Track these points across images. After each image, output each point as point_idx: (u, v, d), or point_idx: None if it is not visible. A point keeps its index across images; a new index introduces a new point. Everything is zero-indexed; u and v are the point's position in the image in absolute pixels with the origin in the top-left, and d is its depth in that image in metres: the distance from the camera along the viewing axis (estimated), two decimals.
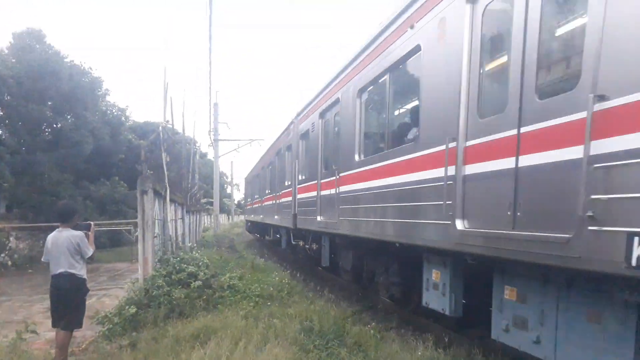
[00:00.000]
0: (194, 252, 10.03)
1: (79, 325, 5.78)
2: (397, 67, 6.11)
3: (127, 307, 7.44)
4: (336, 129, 8.72)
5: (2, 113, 22.96)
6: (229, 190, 65.48)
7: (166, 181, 10.63)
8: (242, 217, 54.21)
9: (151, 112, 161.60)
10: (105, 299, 10.40)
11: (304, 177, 11.51)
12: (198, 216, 25.33)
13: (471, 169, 4.29)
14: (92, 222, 6.39)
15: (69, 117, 26.02)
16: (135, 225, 12.00)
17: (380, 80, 6.66)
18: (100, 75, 28.05)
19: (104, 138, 27.79)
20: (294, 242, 13.17)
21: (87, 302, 6.10)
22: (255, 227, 25.61)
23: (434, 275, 5.30)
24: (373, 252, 7.57)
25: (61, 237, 5.68)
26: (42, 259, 6.00)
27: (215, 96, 25.76)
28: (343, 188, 7.86)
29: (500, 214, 3.82)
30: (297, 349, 5.06)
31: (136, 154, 34.25)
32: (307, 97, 11.11)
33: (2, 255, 20.71)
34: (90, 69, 26.95)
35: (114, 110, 31.67)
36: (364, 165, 6.97)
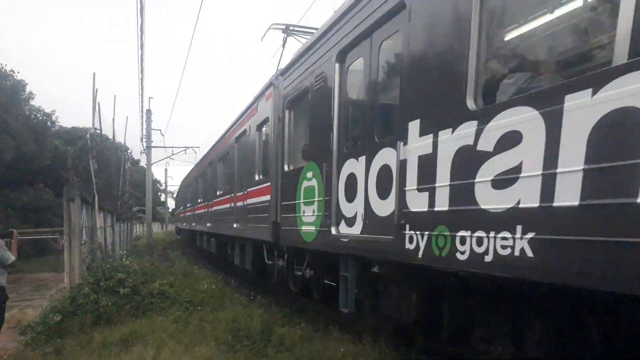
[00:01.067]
0: (123, 260, 9.89)
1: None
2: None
3: (51, 315, 7.29)
4: None
5: None
6: (163, 199, 63.81)
7: (94, 189, 10.40)
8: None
9: (79, 117, 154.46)
10: (28, 309, 10.00)
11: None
12: (129, 224, 24.64)
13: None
14: (14, 230, 6.28)
15: None
16: (62, 233, 11.65)
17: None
18: (23, 78, 26.66)
19: (27, 143, 26.50)
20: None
21: (8, 314, 5.98)
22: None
23: None
24: None
25: None
26: None
27: (148, 102, 25.22)
28: None
29: None
30: (225, 349, 5.22)
31: (63, 160, 32.89)
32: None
33: None
34: (12, 71, 25.73)
35: (38, 115, 30.21)
36: None
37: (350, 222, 5.08)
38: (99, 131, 11.31)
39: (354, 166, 4.95)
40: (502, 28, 3.81)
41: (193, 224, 19.78)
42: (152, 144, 26.80)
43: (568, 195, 2.49)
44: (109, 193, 16.14)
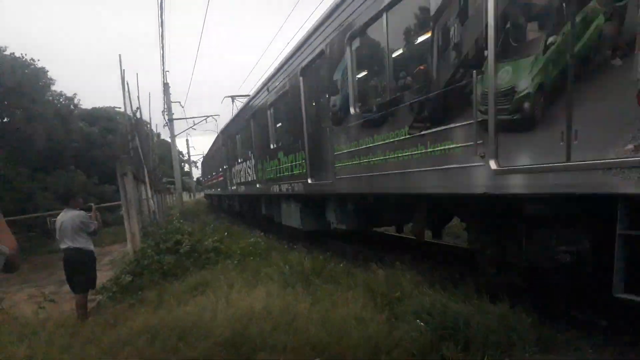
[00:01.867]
0: (176, 224, 10.87)
1: (93, 286, 6.84)
2: None
3: (123, 276, 8.28)
4: None
5: None
6: (186, 169, 65.33)
7: (143, 163, 11.30)
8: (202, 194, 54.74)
9: (98, 97, 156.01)
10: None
11: None
12: (162, 195, 25.84)
13: None
14: (92, 204, 7.23)
15: (18, 111, 25.69)
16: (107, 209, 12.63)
17: None
18: (44, 65, 27.44)
19: (56, 129, 27.58)
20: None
21: None
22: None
23: None
24: None
25: (66, 218, 6.60)
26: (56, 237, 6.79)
27: (165, 76, 25.87)
28: None
29: None
30: (283, 285, 6.13)
31: (89, 141, 34.13)
32: None
33: None
34: (33, 60, 26.50)
35: (61, 100, 31.19)
36: None
37: None
38: (138, 112, 11.90)
39: None
40: None
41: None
42: (173, 116, 27.66)
43: None
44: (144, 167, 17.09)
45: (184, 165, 65.03)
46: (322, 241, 10.94)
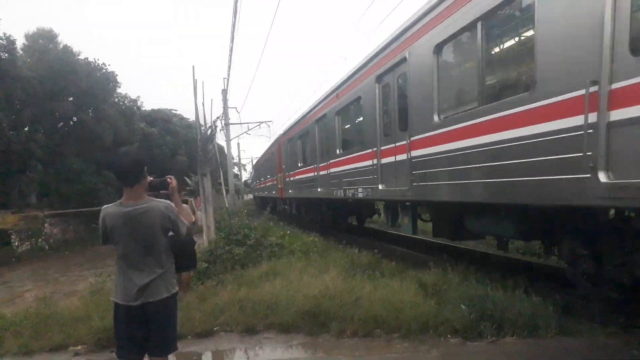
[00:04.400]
0: (244, 220, 12.19)
1: (194, 265, 7.82)
2: None
3: (200, 263, 9.56)
4: None
5: (29, 110, 24.72)
6: (235, 171, 67.59)
7: (219, 166, 12.63)
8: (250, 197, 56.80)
9: (156, 100, 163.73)
10: None
11: None
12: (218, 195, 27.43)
13: None
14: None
15: (89, 111, 27.93)
16: None
17: None
18: (114, 70, 29.64)
19: (121, 128, 29.73)
20: None
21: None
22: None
23: None
24: None
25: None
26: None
27: (226, 84, 27.49)
28: None
29: None
30: (345, 274, 7.22)
31: (149, 140, 36.38)
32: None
33: (40, 240, 22.87)
34: (104, 64, 28.72)
35: (126, 101, 33.46)
36: None
37: None
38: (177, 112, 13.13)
39: None
40: None
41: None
42: (229, 122, 29.31)
43: None
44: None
45: (234, 168, 67.52)
46: (371, 245, 11.97)
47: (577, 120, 4.34)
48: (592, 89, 4.12)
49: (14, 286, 13.12)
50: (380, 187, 9.21)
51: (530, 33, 5.14)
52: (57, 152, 26.71)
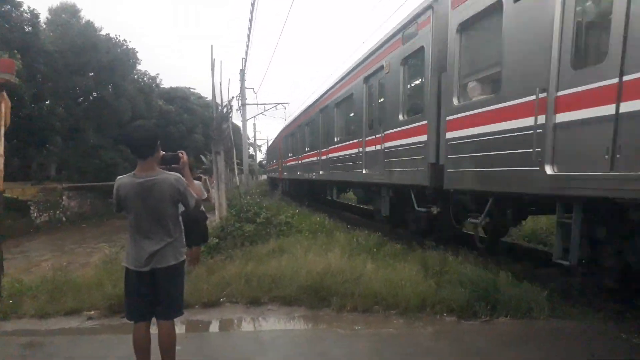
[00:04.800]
0: (255, 198, 12.45)
1: (205, 240, 8.02)
2: None
3: (211, 238, 9.83)
4: None
5: (50, 84, 25.16)
6: (251, 151, 68.02)
7: (233, 146, 12.88)
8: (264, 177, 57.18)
9: (174, 77, 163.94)
10: None
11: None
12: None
13: None
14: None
15: (109, 86, 28.32)
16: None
17: None
18: (134, 47, 29.99)
19: (139, 105, 30.13)
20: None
21: None
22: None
23: None
24: None
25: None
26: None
27: (244, 64, 27.60)
28: None
29: None
30: (349, 254, 7.42)
31: (166, 118, 36.80)
32: None
33: (58, 212, 23.46)
34: (125, 40, 29.02)
35: (145, 79, 33.85)
36: None
37: None
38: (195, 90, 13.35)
39: None
40: None
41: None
42: (246, 102, 29.49)
43: None
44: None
45: (249, 148, 67.92)
46: (377, 227, 12.15)
47: (530, 120, 5.14)
48: (542, 95, 4.95)
49: (32, 256, 13.61)
50: (363, 171, 10.74)
51: (499, 44, 5.88)
52: (77, 126, 27.20)
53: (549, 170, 4.92)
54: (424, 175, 7.78)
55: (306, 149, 18.97)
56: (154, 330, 3.67)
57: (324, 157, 15.11)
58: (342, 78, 12.96)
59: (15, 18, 21.85)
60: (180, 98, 42.42)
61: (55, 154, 27.21)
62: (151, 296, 3.62)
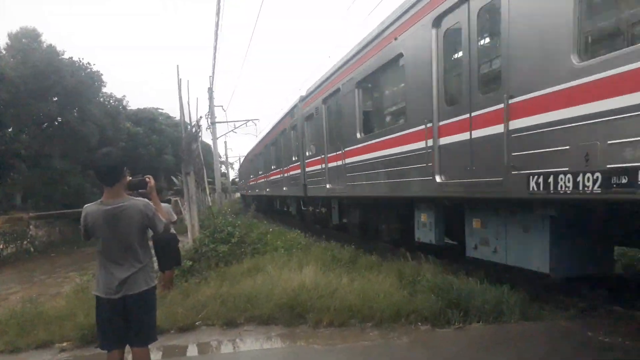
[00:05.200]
0: (228, 218, 12.41)
1: (178, 263, 7.95)
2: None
3: (184, 261, 9.75)
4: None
5: (12, 110, 24.58)
6: (223, 169, 67.48)
7: (203, 166, 12.84)
8: (238, 195, 56.76)
9: (142, 97, 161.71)
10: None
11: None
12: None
13: None
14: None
15: (74, 111, 27.80)
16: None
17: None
18: (99, 69, 29.50)
19: (107, 128, 29.63)
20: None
21: None
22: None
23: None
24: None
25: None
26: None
27: (211, 82, 27.58)
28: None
29: None
30: (325, 269, 7.47)
31: (134, 140, 36.32)
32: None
33: (25, 242, 22.77)
34: (89, 63, 28.59)
35: (111, 101, 33.32)
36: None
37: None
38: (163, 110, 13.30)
39: None
40: None
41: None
42: (215, 120, 29.41)
43: None
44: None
45: (221, 166, 67.37)
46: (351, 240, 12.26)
47: (423, 144, 6.80)
48: (429, 125, 6.64)
49: None
50: (327, 186, 11.70)
51: (403, 86, 7.90)
52: (42, 152, 26.60)
53: (438, 179, 6.55)
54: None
55: (272, 167, 21.07)
56: (129, 358, 3.64)
57: (286, 175, 17.26)
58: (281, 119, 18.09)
59: None
60: (148, 119, 41.90)
61: (20, 181, 26.54)
62: (124, 323, 3.59)
